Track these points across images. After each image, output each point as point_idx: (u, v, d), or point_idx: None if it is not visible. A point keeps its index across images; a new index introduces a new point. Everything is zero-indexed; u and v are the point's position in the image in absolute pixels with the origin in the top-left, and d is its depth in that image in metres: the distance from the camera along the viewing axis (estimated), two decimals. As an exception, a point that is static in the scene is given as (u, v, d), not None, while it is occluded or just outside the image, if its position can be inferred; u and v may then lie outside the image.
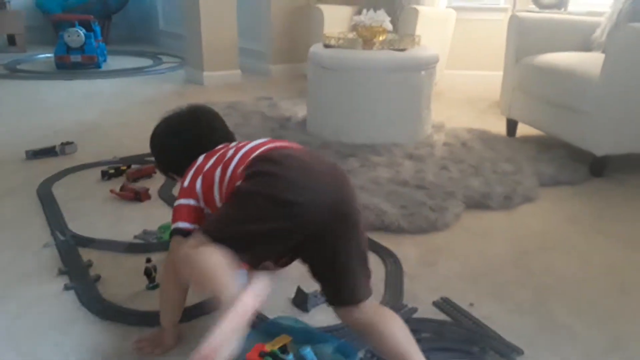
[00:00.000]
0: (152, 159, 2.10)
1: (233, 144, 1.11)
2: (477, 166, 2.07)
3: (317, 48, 2.42)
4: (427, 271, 1.37)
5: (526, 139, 2.50)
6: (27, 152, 2.11)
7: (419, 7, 3.10)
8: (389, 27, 2.38)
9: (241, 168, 0.96)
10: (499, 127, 2.66)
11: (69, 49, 4.20)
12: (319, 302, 1.20)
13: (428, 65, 2.32)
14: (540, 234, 1.61)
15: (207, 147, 1.13)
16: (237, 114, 2.75)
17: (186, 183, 1.05)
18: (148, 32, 6.15)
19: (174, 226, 1.02)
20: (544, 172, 2.03)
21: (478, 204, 1.77)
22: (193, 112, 1.25)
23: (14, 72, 4.07)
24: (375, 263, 1.40)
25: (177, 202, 1.05)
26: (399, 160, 2.11)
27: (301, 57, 3.87)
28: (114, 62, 4.55)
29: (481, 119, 2.92)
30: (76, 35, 4.19)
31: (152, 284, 1.24)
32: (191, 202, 1.03)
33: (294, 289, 1.22)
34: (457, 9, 3.64)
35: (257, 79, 4.04)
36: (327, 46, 2.40)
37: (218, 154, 1.06)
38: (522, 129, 2.56)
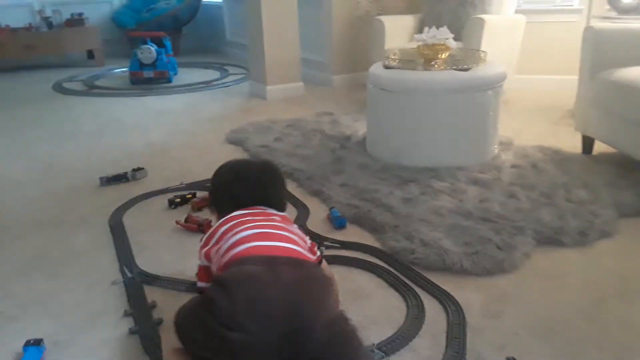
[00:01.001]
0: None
1: (247, 217, 1.17)
2: (550, 194, 1.95)
3: (376, 69, 2.37)
4: (492, 323, 1.30)
5: (603, 158, 2.32)
6: (101, 178, 2.23)
7: (485, 17, 2.96)
8: (452, 44, 2.28)
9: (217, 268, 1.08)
10: (574, 142, 2.49)
11: (142, 65, 4.41)
12: (375, 357, 1.17)
13: (494, 85, 2.20)
14: (619, 278, 1.48)
15: (247, 204, 1.25)
16: (297, 134, 2.76)
17: (202, 242, 1.20)
18: (216, 43, 6.33)
19: (197, 284, 1.19)
20: (623, 201, 1.87)
21: (550, 240, 1.66)
22: (261, 170, 1.36)
23: (91, 88, 4.33)
24: (436, 310, 1.35)
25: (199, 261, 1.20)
26: (463, 186, 2.02)
27: (363, 66, 3.82)
28: (184, 75, 4.72)
29: (553, 133, 2.75)
30: (148, 52, 4.38)
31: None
32: (204, 263, 1.17)
33: (350, 341, 1.20)
34: (527, 11, 3.45)
35: (319, 90, 4.05)
36: (386, 67, 2.34)
37: (227, 227, 1.14)
38: (599, 145, 2.38)
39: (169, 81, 4.45)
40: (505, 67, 2.34)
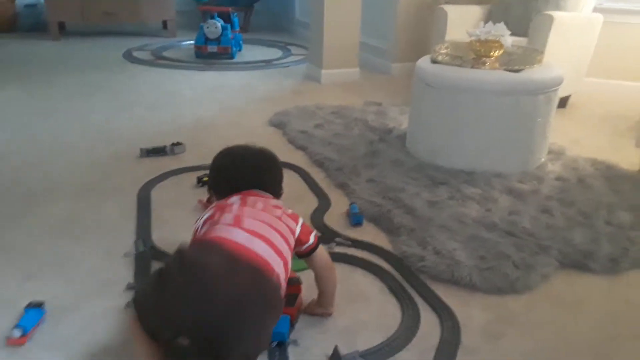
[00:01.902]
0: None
1: (236, 205, 1.19)
2: (589, 213, 1.80)
3: (423, 63, 2.27)
4: (489, 345, 1.24)
5: (665, 180, 2.12)
6: (141, 149, 2.32)
7: (554, 14, 2.75)
8: (507, 42, 2.14)
9: None
10: (635, 158, 2.28)
11: (207, 40, 4.51)
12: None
13: (547, 89, 2.05)
14: (644, 316, 1.36)
15: (242, 188, 1.27)
16: (339, 122, 2.73)
17: (196, 222, 1.24)
18: (286, 22, 6.35)
19: None
20: (673, 231, 1.70)
21: (576, 263, 1.55)
22: (258, 156, 1.37)
23: (158, 58, 4.49)
24: (432, 324, 1.30)
25: None
26: (495, 195, 1.92)
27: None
28: (247, 53, 4.78)
29: (615, 145, 2.54)
30: (214, 27, 4.47)
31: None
32: None
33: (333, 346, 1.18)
34: (606, 10, 3.18)
35: (375, 77, 3.97)
36: (434, 61, 2.24)
37: (217, 213, 1.18)
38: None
39: (232, 57, 4.52)
40: (572, 69, 2.18)
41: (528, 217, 1.76)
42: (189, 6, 6.12)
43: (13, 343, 1.19)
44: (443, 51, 2.28)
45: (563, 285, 1.47)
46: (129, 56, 4.50)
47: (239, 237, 1.07)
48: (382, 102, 3.12)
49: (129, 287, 1.40)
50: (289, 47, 5.10)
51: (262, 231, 1.10)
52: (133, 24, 5.66)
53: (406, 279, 1.46)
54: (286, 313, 1.22)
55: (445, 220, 1.73)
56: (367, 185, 1.99)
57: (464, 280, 1.44)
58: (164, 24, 5.72)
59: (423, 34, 3.95)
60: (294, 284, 1.35)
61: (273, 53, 4.82)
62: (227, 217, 1.14)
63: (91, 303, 1.35)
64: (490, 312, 1.35)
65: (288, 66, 4.31)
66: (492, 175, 2.06)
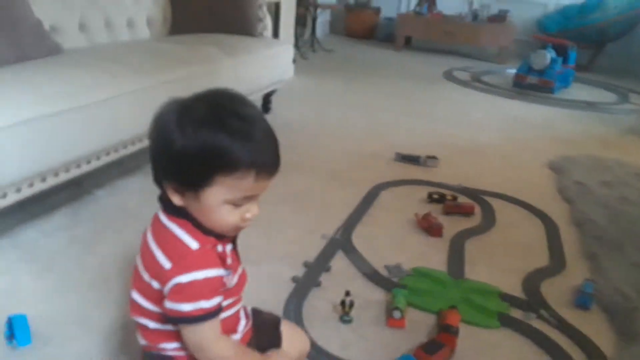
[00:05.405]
0: (481, 196, 1.97)
1: None
2: None
3: None
4: None
5: None
6: (397, 153, 2.35)
7: None
8: None
9: None
10: None
11: (530, 70, 4.22)
12: None
13: None
14: None
15: None
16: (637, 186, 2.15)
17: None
18: (642, 66, 5.38)
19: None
20: None
21: None
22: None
23: (473, 81, 4.44)
24: None
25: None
26: None
27: None
28: (573, 91, 4.27)
29: None
30: (542, 57, 4.14)
31: (345, 317, 1.23)
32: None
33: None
34: None
35: None
36: None
37: None
38: None
39: (552, 92, 4.10)
40: None
41: None
42: (529, 35, 5.83)
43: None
44: None
45: None
46: (448, 74, 4.60)
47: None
48: None
49: (304, 265, 1.44)
50: (630, 94, 4.31)
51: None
52: (469, 46, 5.75)
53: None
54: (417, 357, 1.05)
55: None
56: (627, 269, 1.51)
57: None
58: (500, 50, 5.62)
59: None
60: (448, 332, 1.14)
61: (605, 97, 4.17)
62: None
63: (270, 265, 1.43)
64: None
65: (614, 114, 3.64)
66: None
